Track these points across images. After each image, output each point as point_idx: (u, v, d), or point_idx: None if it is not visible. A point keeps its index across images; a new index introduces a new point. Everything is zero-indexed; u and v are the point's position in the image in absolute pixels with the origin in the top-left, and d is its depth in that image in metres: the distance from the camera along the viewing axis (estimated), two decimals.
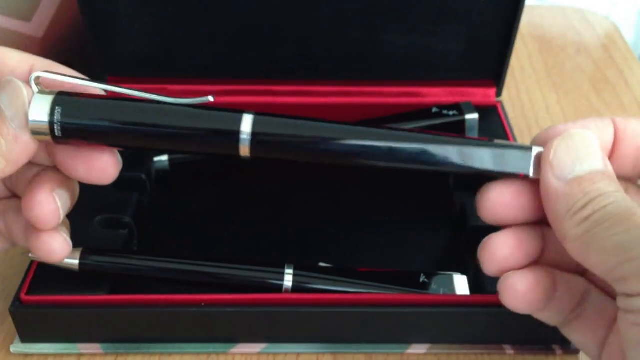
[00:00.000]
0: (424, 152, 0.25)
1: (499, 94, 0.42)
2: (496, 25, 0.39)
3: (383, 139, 0.25)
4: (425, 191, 0.39)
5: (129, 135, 0.25)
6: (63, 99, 0.25)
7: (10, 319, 0.31)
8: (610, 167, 0.24)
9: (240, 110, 0.25)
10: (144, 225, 0.36)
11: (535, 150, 0.25)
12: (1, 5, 0.39)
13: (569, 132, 0.25)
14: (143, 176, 0.37)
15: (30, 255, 0.30)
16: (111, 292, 0.31)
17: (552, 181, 0.24)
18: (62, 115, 0.24)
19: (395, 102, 0.42)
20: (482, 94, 0.42)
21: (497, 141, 0.26)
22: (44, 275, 0.31)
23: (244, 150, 0.25)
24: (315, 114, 0.41)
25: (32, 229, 0.27)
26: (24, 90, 0.25)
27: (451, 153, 0.25)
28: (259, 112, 0.25)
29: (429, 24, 0.39)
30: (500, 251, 0.25)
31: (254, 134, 0.25)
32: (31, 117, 0.25)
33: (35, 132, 0.25)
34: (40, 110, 0.25)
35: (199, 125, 0.25)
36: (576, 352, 0.31)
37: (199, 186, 0.40)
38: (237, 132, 0.24)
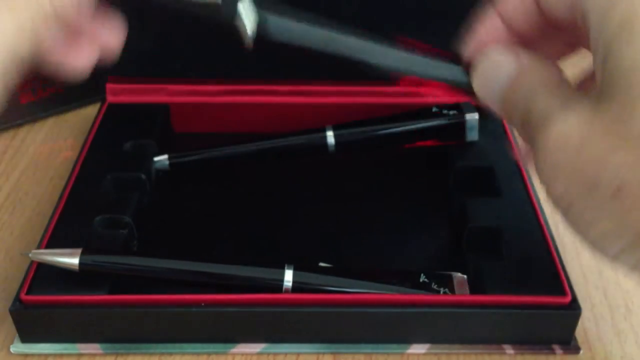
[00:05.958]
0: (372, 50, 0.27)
1: None
2: None
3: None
4: (425, 191, 0.39)
5: None
6: None
7: (10, 319, 0.31)
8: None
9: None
10: (144, 225, 0.36)
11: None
12: None
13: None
14: (143, 176, 0.37)
15: (30, 255, 0.30)
16: (111, 292, 0.31)
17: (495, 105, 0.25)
18: None
19: (395, 102, 0.42)
20: None
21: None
22: (44, 275, 0.31)
23: None
24: (315, 114, 0.41)
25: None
26: None
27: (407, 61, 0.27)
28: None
29: (429, 24, 0.39)
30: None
31: None
32: None
33: None
34: None
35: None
36: (576, 352, 0.31)
37: (199, 186, 0.40)
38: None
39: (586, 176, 0.20)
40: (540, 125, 0.22)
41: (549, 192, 0.22)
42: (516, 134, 0.44)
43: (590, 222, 0.21)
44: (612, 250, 0.21)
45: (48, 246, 0.33)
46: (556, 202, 0.22)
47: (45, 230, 0.34)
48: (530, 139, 0.23)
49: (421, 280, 0.31)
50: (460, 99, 0.41)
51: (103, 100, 0.43)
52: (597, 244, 0.22)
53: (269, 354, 0.31)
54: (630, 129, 0.19)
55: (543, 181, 0.22)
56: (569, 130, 0.21)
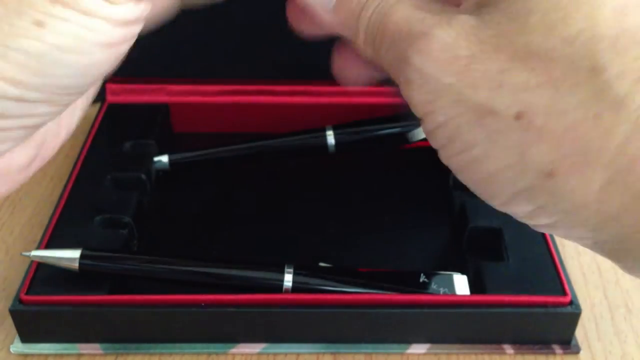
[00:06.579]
0: None
1: None
2: None
3: None
4: (425, 191, 0.39)
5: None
6: None
7: (10, 319, 0.31)
8: None
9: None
10: (144, 225, 0.36)
11: None
12: None
13: None
14: (143, 176, 0.37)
15: (30, 255, 0.30)
16: (111, 292, 0.31)
17: (324, 17, 0.23)
18: None
19: (395, 102, 0.42)
20: None
21: None
22: (44, 275, 0.31)
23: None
24: (315, 114, 0.41)
25: None
26: None
27: None
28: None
29: None
30: None
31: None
32: None
33: None
34: None
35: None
36: (576, 352, 0.31)
37: (199, 186, 0.40)
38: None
39: (477, 101, 0.17)
40: (413, 40, 0.18)
41: (425, 123, 0.19)
42: None
43: (479, 158, 0.18)
44: (506, 193, 0.18)
45: (48, 246, 0.33)
46: (433, 134, 0.19)
47: (45, 230, 0.34)
48: (394, 60, 0.19)
49: (421, 280, 0.31)
50: None
51: (103, 100, 0.43)
52: (486, 186, 0.18)
53: (269, 354, 0.31)
54: (526, 44, 0.16)
55: (416, 110, 0.19)
56: (452, 45, 0.17)
